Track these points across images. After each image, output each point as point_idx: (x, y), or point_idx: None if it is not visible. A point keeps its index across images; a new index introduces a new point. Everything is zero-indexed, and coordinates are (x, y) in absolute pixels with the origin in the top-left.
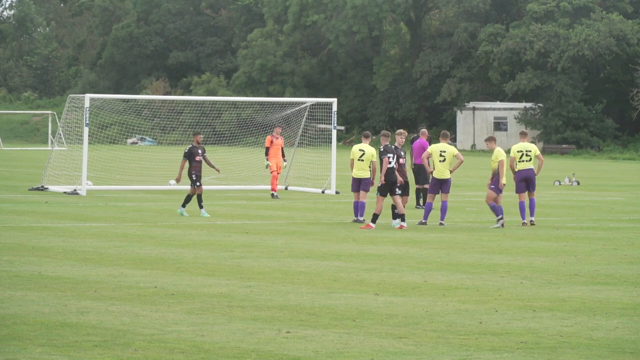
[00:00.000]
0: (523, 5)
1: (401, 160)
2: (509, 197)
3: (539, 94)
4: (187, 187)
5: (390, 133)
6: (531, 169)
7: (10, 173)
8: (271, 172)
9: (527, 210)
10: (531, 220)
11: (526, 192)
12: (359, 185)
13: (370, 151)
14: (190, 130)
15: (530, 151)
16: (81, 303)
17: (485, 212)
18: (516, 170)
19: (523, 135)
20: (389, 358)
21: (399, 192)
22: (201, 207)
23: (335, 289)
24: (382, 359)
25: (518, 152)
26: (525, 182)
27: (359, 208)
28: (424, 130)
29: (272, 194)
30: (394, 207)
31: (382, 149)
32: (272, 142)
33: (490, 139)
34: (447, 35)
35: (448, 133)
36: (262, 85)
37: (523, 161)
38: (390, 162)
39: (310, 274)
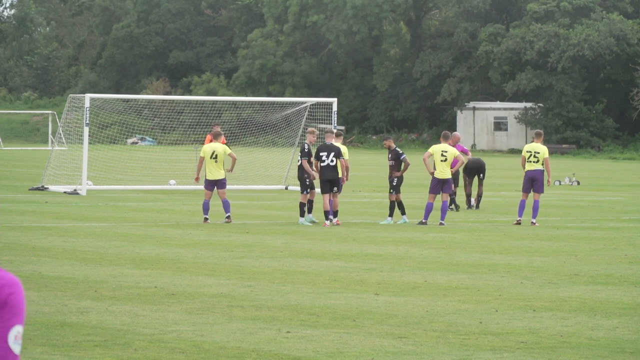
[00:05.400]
0: (523, 5)
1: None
2: (515, 196)
3: (539, 94)
4: (184, 187)
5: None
6: (537, 170)
7: (11, 173)
8: None
9: (527, 209)
10: (532, 222)
11: (531, 193)
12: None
13: (344, 149)
14: (191, 130)
15: (538, 153)
16: (81, 303)
17: (485, 212)
18: (525, 170)
19: (538, 135)
20: (389, 358)
21: (335, 189)
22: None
23: (335, 289)
24: (382, 359)
25: (527, 152)
26: (531, 182)
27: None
28: (456, 133)
29: None
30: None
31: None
32: (211, 140)
33: (217, 133)
34: (447, 35)
35: (449, 134)
36: (262, 85)
37: (531, 162)
38: (324, 161)
39: (310, 274)
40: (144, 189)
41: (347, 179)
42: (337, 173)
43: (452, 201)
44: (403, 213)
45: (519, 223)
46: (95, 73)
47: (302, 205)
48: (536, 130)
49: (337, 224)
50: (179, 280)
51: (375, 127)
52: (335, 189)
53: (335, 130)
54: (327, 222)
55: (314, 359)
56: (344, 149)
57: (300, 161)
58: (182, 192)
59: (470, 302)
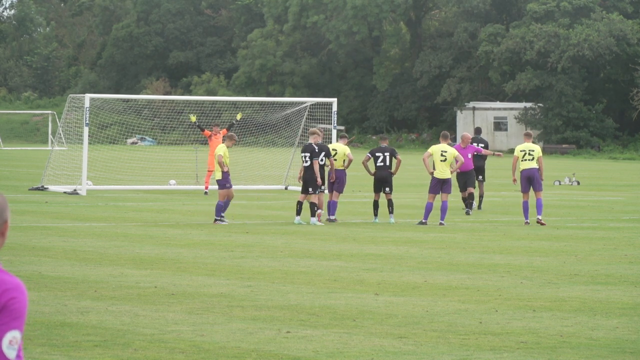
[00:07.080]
0: (523, 5)
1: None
2: (515, 196)
3: (539, 94)
4: (184, 187)
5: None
6: (534, 169)
7: (11, 173)
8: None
9: (532, 210)
10: (538, 219)
11: (530, 192)
12: (333, 184)
13: (342, 150)
14: (190, 130)
15: (533, 151)
16: (81, 303)
17: (485, 212)
18: (520, 169)
19: (527, 136)
20: (389, 358)
21: (323, 189)
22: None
23: (335, 289)
24: (382, 359)
25: (521, 151)
26: (528, 181)
27: (331, 207)
28: (466, 134)
29: (205, 192)
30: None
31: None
32: (210, 136)
33: (230, 136)
34: (447, 35)
35: (448, 134)
36: (262, 85)
37: (526, 160)
38: (307, 162)
39: (310, 274)
40: (144, 189)
41: (347, 167)
42: (325, 173)
43: (470, 204)
44: (375, 215)
45: (528, 224)
46: (95, 73)
47: (299, 203)
48: (525, 131)
49: (319, 217)
50: (179, 280)
51: (375, 127)
52: (323, 187)
53: (323, 132)
54: (320, 211)
55: (314, 359)
56: (345, 149)
57: (310, 162)
58: (182, 192)
59: (470, 302)
